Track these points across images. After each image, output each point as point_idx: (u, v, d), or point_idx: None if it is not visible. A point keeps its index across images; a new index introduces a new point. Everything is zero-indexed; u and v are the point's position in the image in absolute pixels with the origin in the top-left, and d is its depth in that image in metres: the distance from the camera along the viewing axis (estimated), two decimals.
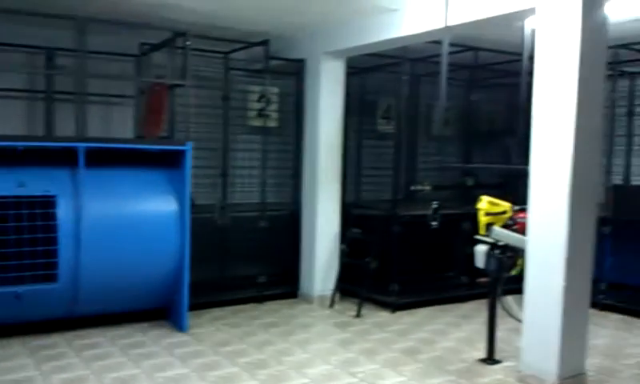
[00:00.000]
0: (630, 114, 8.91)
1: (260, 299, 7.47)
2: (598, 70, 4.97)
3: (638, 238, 7.35)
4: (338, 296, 7.54)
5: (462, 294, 7.75)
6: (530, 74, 5.74)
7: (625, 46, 7.24)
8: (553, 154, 4.90)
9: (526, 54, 5.97)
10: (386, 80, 8.18)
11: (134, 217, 6.04)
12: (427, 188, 8.33)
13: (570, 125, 4.78)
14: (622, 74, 7.92)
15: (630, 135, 9.04)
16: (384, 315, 7.08)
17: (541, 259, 4.97)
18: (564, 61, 4.81)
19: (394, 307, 7.19)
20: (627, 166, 9.15)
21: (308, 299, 7.65)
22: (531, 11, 5.20)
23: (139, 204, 6.17)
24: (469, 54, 8.12)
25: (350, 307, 7.24)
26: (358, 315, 6.99)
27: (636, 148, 9.03)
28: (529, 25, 5.88)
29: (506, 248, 5.40)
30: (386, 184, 8.00)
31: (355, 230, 7.46)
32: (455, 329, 6.60)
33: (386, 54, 7.35)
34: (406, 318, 6.98)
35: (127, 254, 5.90)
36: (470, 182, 8.19)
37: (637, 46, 7.33)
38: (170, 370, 5.13)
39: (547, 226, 4.91)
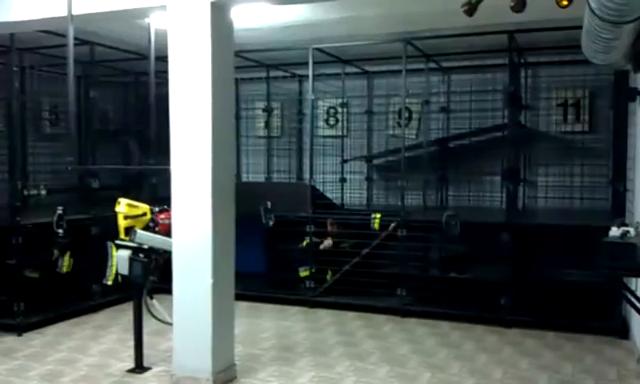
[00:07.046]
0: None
1: None
2: (228, 72, 5.21)
3: (250, 230, 7.73)
4: None
5: (94, 303, 7.25)
6: (157, 73, 5.71)
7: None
8: (193, 154, 4.96)
9: (152, 53, 5.89)
10: None
11: None
12: (43, 192, 7.58)
13: (207, 125, 4.91)
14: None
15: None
16: (10, 340, 6.14)
17: (187, 259, 4.98)
18: (197, 63, 4.89)
19: (21, 329, 6.31)
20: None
21: None
22: (158, 8, 5.15)
23: None
24: (84, 49, 7.64)
25: None
26: None
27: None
28: (154, 23, 5.81)
29: (151, 251, 5.25)
30: None
31: None
32: (94, 342, 6.14)
33: None
34: (38, 339, 6.20)
35: None
36: (94, 183, 7.67)
37: (245, 54, 7.95)
38: None
39: (192, 225, 4.95)
